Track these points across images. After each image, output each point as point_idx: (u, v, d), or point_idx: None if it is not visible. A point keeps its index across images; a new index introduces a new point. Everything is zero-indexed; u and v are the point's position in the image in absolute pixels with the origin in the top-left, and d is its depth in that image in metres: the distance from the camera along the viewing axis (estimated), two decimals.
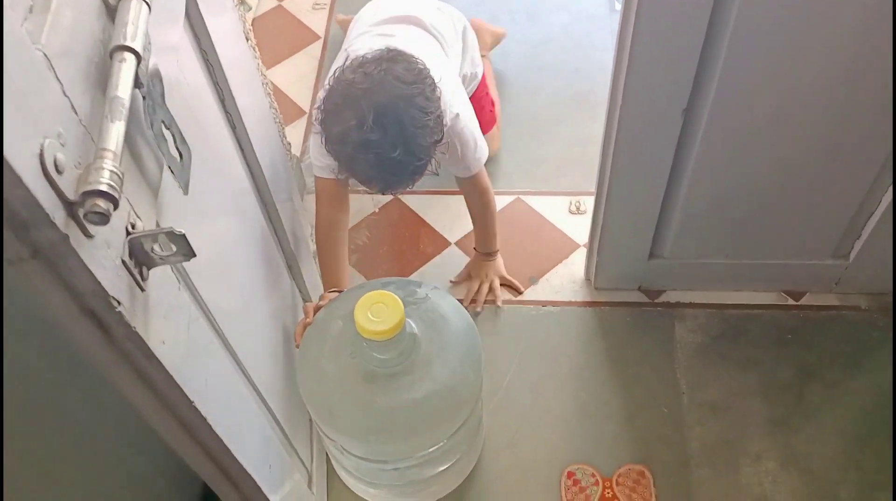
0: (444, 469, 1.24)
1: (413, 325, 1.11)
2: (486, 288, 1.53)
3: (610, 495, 1.32)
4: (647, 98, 1.14)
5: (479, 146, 1.37)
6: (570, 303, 1.55)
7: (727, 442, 1.36)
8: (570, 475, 1.35)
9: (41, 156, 0.49)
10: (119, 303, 0.59)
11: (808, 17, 1.02)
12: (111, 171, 0.53)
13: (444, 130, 1.20)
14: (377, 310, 1.03)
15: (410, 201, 1.71)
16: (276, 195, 1.23)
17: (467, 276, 1.57)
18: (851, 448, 1.35)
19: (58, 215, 0.51)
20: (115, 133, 0.55)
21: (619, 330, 1.51)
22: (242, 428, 0.89)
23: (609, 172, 1.31)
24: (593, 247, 1.49)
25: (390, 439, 1.10)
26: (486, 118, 1.61)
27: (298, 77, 1.94)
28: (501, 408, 1.42)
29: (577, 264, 1.60)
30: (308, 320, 1.19)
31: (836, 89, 1.11)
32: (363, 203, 1.71)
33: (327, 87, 1.19)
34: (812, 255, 1.43)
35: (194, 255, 0.65)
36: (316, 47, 2.01)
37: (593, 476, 1.34)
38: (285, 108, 1.84)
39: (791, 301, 1.52)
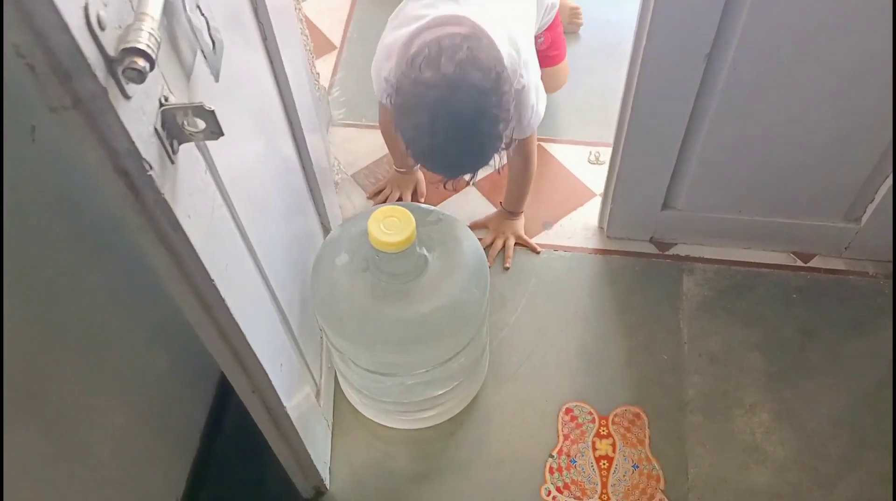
0: (447, 392, 1.29)
1: (423, 246, 1.14)
2: (499, 244, 1.56)
3: (605, 432, 1.36)
4: (670, 41, 1.16)
5: (536, 113, 1.34)
6: (581, 249, 1.58)
7: (723, 392, 1.40)
8: (568, 411, 1.39)
9: (86, 9, 0.53)
10: (151, 167, 0.63)
11: None
12: (149, 33, 0.57)
13: (511, 130, 1.21)
14: (390, 223, 1.06)
15: None
16: (303, 118, 1.26)
17: (484, 227, 1.60)
18: (845, 408, 1.38)
19: (99, 68, 0.54)
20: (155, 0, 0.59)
21: (628, 278, 1.54)
22: (257, 321, 0.93)
23: (629, 118, 1.33)
24: (608, 195, 1.52)
25: (396, 349, 1.14)
26: (560, 49, 1.64)
27: (330, 10, 1.95)
28: (506, 344, 1.46)
29: (591, 213, 1.63)
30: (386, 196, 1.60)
31: (860, 40, 1.13)
32: None
33: (397, 75, 1.18)
34: (824, 216, 1.45)
35: (222, 134, 0.69)
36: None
37: (590, 413, 1.38)
38: (315, 39, 1.86)
39: (800, 262, 1.54)
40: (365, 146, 1.74)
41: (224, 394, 1.37)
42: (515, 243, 1.57)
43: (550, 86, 1.57)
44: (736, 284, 1.52)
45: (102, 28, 0.55)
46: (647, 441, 1.35)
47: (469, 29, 1.18)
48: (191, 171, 0.72)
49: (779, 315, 1.48)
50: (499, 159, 1.22)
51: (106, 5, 0.55)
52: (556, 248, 1.58)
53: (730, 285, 1.52)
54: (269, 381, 0.97)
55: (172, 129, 0.67)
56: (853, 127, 1.27)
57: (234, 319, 0.83)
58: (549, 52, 1.61)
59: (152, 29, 0.57)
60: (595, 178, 1.67)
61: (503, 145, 1.20)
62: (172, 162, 0.68)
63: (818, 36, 1.13)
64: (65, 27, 0.51)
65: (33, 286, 0.84)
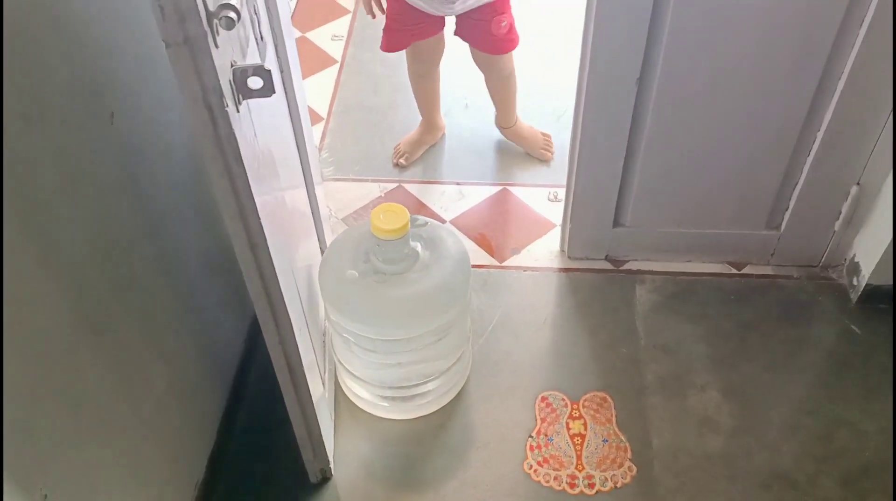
0: (437, 378, 1.47)
1: (415, 242, 1.36)
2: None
3: (577, 415, 1.54)
4: (606, 70, 1.43)
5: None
6: (546, 269, 1.81)
7: (677, 377, 1.59)
8: (543, 399, 1.57)
9: None
10: (227, 104, 0.85)
11: (731, 7, 1.33)
12: (230, 2, 0.81)
13: None
14: (388, 216, 1.29)
15: (412, 188, 1.98)
16: (312, 167, 1.53)
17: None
18: (782, 382, 1.58)
19: (203, 15, 0.78)
20: None
21: (588, 290, 1.76)
22: (285, 281, 1.11)
23: (578, 145, 1.59)
24: (566, 219, 1.77)
25: (396, 323, 1.34)
26: (516, 33, 1.84)
27: (318, 92, 2.24)
28: (486, 348, 1.65)
29: (553, 240, 1.86)
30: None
31: (764, 67, 1.41)
32: (370, 190, 1.98)
33: None
34: (749, 225, 1.71)
35: (274, 91, 0.92)
36: (333, 69, 2.33)
37: (563, 399, 1.57)
38: None
39: (734, 270, 1.78)
40: (351, 195, 1.98)
41: (240, 389, 1.53)
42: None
43: (506, 68, 1.89)
44: (681, 290, 1.75)
45: None
46: (613, 420, 1.53)
47: None
48: (247, 125, 0.95)
49: (719, 313, 1.70)
50: None
51: None
52: (524, 269, 1.81)
53: (676, 291, 1.75)
54: (293, 335, 1.15)
55: (239, 84, 0.90)
56: (762, 142, 1.55)
57: (272, 263, 1.03)
58: (510, 34, 1.81)
59: None
60: (555, 213, 1.91)
61: None
62: (238, 111, 0.90)
63: (728, 61, 1.41)
64: None
65: (106, 250, 1.04)
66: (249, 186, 0.93)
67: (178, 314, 1.28)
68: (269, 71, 0.90)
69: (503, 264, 1.81)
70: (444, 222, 1.90)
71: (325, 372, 1.50)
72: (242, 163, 0.91)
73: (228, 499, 1.42)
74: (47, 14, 0.89)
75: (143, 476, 1.16)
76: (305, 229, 1.53)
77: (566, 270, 1.80)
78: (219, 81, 0.82)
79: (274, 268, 1.04)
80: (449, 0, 1.70)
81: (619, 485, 1.43)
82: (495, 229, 1.88)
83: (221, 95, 0.84)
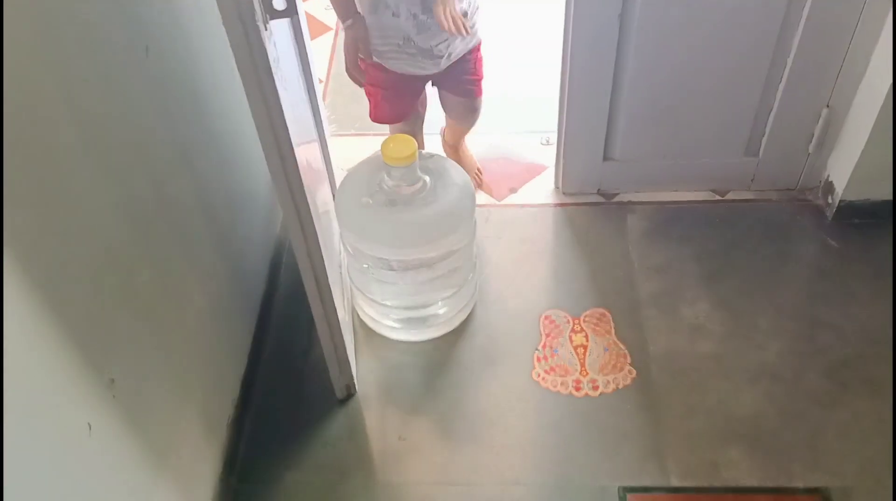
0: (450, 298, 1.59)
1: (422, 172, 1.48)
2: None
3: (579, 329, 1.67)
4: (589, 8, 1.55)
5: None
6: (543, 205, 1.93)
7: (669, 292, 1.72)
8: (546, 317, 1.69)
9: None
10: (258, 20, 0.97)
11: None
12: None
13: None
14: (397, 145, 1.40)
15: None
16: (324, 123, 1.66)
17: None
18: (766, 292, 1.71)
19: None
20: None
21: (583, 221, 1.89)
22: (311, 199, 1.23)
23: (567, 84, 1.72)
24: (559, 157, 1.89)
25: (409, 242, 1.47)
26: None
27: (316, 57, 2.35)
28: (491, 276, 1.77)
29: (548, 180, 1.99)
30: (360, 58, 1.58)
31: (729, 4, 1.54)
32: (371, 143, 2.10)
33: None
34: (730, 153, 1.84)
35: (297, 13, 1.04)
36: (329, 36, 2.47)
37: (565, 316, 1.69)
38: None
39: (718, 197, 1.91)
40: (353, 149, 2.09)
41: (266, 318, 1.66)
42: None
43: (471, 118, 1.86)
44: (669, 217, 1.88)
45: None
46: (612, 331, 1.66)
47: None
48: (273, 48, 1.07)
49: (706, 235, 1.83)
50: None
51: None
52: (522, 205, 1.93)
53: (665, 218, 1.87)
54: (319, 246, 1.27)
55: (266, 5, 1.02)
56: (737, 70, 1.67)
57: (298, 172, 1.15)
58: (480, 81, 1.75)
59: None
60: (548, 156, 2.04)
61: None
62: (266, 28, 1.02)
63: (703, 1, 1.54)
64: None
65: (150, 170, 1.16)
66: (278, 96, 1.05)
67: (211, 239, 1.40)
68: None
69: (502, 202, 1.94)
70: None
71: (343, 300, 1.62)
72: (271, 73, 1.03)
73: (262, 416, 1.54)
74: None
75: (188, 384, 1.28)
76: (321, 176, 1.66)
77: (561, 205, 1.93)
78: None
79: (301, 179, 1.16)
80: (436, 56, 1.57)
81: (620, 386, 1.56)
82: (493, 172, 2.00)
83: (253, 12, 0.96)
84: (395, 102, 1.69)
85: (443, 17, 1.47)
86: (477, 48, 1.68)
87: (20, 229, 0.82)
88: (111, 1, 1.06)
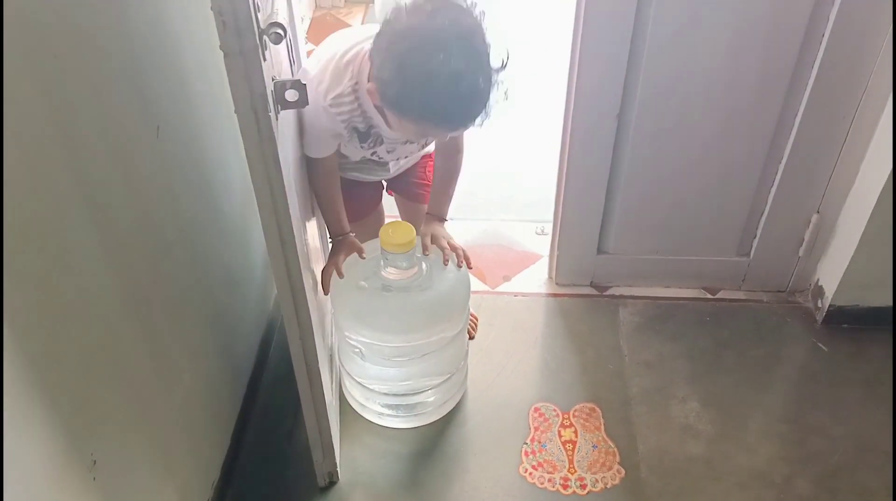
0: (438, 386, 1.58)
1: (420, 261, 1.49)
2: (444, 244, 1.53)
3: (568, 423, 1.65)
4: (589, 106, 1.60)
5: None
6: (536, 294, 1.94)
7: (659, 389, 1.71)
8: (536, 409, 1.68)
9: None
10: (270, 110, 0.99)
11: (697, 51, 1.51)
12: (283, 20, 0.96)
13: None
14: (396, 232, 1.42)
15: None
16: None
17: (434, 240, 1.55)
18: (756, 394, 1.70)
19: (255, 31, 0.93)
20: (282, 5, 0.99)
21: (575, 313, 1.89)
22: (307, 290, 1.23)
23: (564, 178, 1.75)
24: (553, 248, 1.91)
25: (403, 328, 1.46)
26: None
27: None
28: (481, 363, 1.76)
29: (541, 269, 2.00)
30: (339, 270, 1.47)
31: (728, 103, 1.59)
32: None
33: (379, 47, 1.21)
34: (721, 252, 1.86)
35: (308, 104, 1.06)
36: None
37: (555, 410, 1.67)
38: None
39: (709, 295, 1.93)
40: None
41: (253, 398, 1.63)
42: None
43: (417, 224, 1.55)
44: (661, 313, 1.88)
45: (258, 10, 0.94)
46: (602, 428, 1.64)
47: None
48: (281, 134, 1.09)
49: (697, 333, 1.83)
50: (486, 115, 1.25)
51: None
52: (515, 294, 1.94)
53: (656, 314, 1.88)
54: (312, 332, 1.27)
55: (279, 96, 1.04)
56: (729, 174, 1.71)
57: (299, 262, 1.15)
58: (429, 186, 1.64)
59: (283, 20, 0.96)
60: (542, 245, 2.06)
61: (496, 70, 1.22)
62: (276, 118, 1.04)
63: (696, 100, 1.59)
64: (246, 2, 0.90)
65: (149, 249, 1.16)
66: (283, 185, 1.07)
67: (204, 316, 1.39)
68: (305, 85, 1.05)
69: (496, 289, 1.94)
70: None
71: (332, 383, 1.61)
72: (279, 164, 1.04)
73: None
74: (107, 23, 1.03)
75: (170, 464, 1.25)
76: (317, 254, 1.66)
77: (554, 295, 1.94)
78: (265, 90, 0.97)
79: (300, 265, 1.17)
80: (382, 165, 1.56)
81: (608, 486, 1.53)
82: (487, 260, 2.02)
83: (266, 103, 0.98)
84: (352, 203, 1.58)
85: (446, 252, 1.49)
86: (429, 155, 1.65)
87: (20, 306, 0.82)
88: (128, 81, 1.08)
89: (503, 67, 1.22)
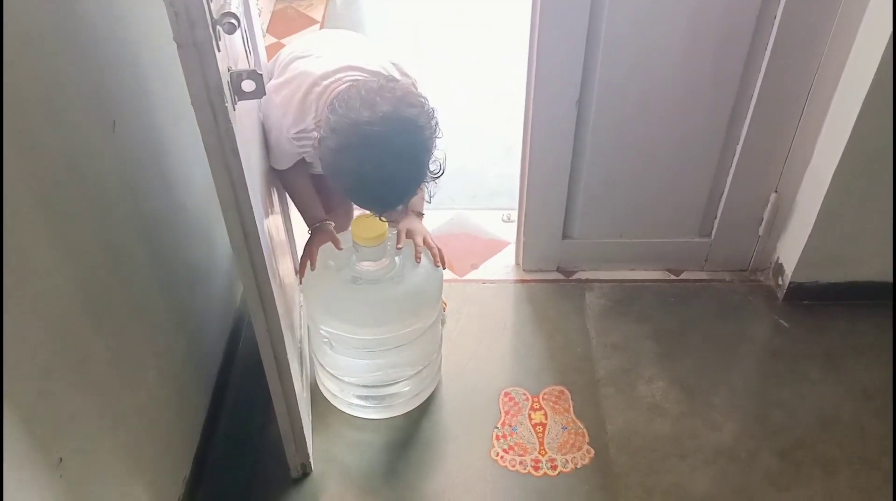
0: (412, 378, 1.59)
1: (392, 254, 1.49)
2: (420, 241, 1.52)
3: (538, 407, 1.67)
4: (549, 93, 1.61)
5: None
6: (503, 281, 1.95)
7: (626, 370, 1.74)
8: (506, 394, 1.69)
9: None
10: (227, 101, 0.99)
11: (654, 37, 1.53)
12: (236, 9, 0.96)
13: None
14: (367, 225, 1.42)
15: None
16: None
17: (410, 235, 1.54)
18: (721, 371, 1.74)
19: (208, 22, 0.92)
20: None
21: (543, 298, 1.91)
22: (272, 275, 1.23)
23: (528, 165, 1.76)
24: (520, 235, 1.92)
25: (374, 321, 1.47)
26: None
27: None
28: (452, 352, 1.77)
29: (508, 256, 2.02)
30: (313, 259, 1.48)
31: (680, 89, 1.61)
32: None
33: (331, 112, 1.24)
34: (684, 233, 1.89)
35: (265, 94, 1.06)
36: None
37: (524, 394, 1.69)
38: None
39: (673, 277, 1.96)
40: None
41: (222, 394, 1.63)
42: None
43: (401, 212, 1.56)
44: (626, 295, 1.91)
45: (210, 0, 0.93)
46: (571, 410, 1.66)
47: (369, 74, 1.31)
48: (240, 125, 1.08)
49: (662, 314, 1.86)
50: (428, 190, 1.32)
51: None
52: (483, 281, 1.95)
53: (622, 296, 1.91)
54: (279, 324, 1.27)
55: (235, 87, 1.04)
56: (689, 156, 1.74)
57: (262, 252, 1.15)
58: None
59: (236, 9, 0.96)
60: (509, 232, 2.08)
61: (436, 176, 1.30)
62: (234, 109, 1.04)
63: (654, 85, 1.61)
64: None
65: (108, 248, 1.15)
66: (244, 176, 1.06)
67: (168, 314, 1.39)
68: (262, 75, 1.04)
69: (464, 277, 1.96)
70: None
71: (301, 376, 1.61)
72: (238, 155, 1.04)
73: (214, 496, 1.50)
74: (58, 22, 1.02)
75: (139, 461, 1.25)
76: (283, 248, 1.65)
77: (522, 281, 1.95)
78: (221, 80, 0.97)
79: (264, 257, 1.16)
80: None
81: (578, 466, 1.56)
82: (455, 248, 2.03)
83: (223, 94, 0.98)
84: (321, 195, 1.58)
85: (419, 249, 1.49)
86: None
87: None
88: (82, 76, 1.07)
89: (440, 172, 1.29)
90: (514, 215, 2.07)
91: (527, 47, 1.60)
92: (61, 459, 1.00)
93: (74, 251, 1.05)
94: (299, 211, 1.57)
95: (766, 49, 1.56)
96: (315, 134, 1.30)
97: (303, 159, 1.47)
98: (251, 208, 1.10)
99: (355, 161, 1.21)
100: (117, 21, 1.20)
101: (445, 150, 1.31)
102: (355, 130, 1.20)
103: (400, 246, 1.50)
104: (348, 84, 1.30)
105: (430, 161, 1.27)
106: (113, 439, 1.16)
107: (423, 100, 1.26)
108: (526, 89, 1.66)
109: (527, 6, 1.54)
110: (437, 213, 2.13)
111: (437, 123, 1.26)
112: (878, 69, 1.46)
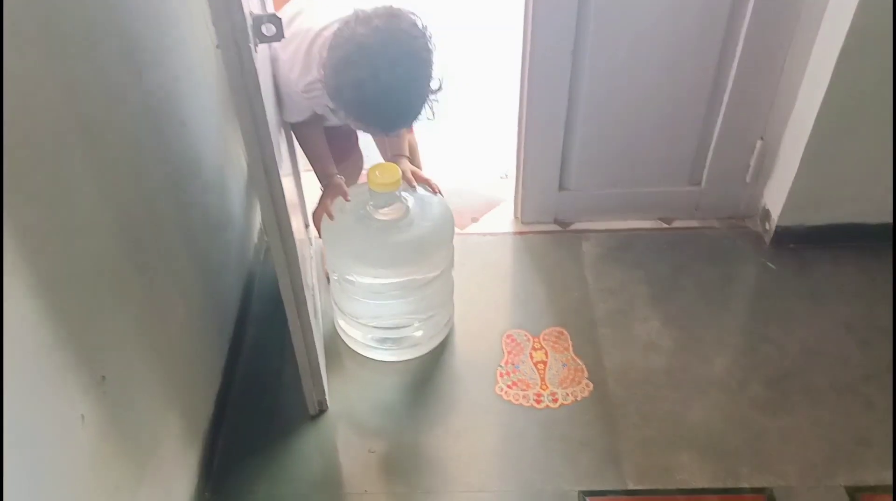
0: (427, 320, 1.68)
1: (405, 196, 1.58)
2: (419, 174, 1.66)
3: (538, 346, 1.76)
4: (545, 44, 1.70)
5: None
6: (503, 233, 2.05)
7: (622, 311, 1.83)
8: (508, 336, 1.79)
9: None
10: (250, 41, 1.07)
11: None
12: None
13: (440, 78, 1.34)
14: (383, 172, 1.50)
15: None
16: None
17: (410, 175, 1.64)
18: (712, 311, 1.83)
19: None
20: None
21: (541, 248, 2.00)
22: (292, 215, 1.32)
23: (524, 118, 1.85)
24: (517, 188, 2.01)
25: (392, 262, 1.57)
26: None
27: None
28: (457, 300, 1.85)
29: (507, 210, 2.11)
30: (329, 212, 1.57)
31: (675, 40, 1.70)
32: None
33: (331, 46, 1.31)
34: (675, 182, 1.98)
35: (283, 37, 1.14)
36: None
37: (525, 335, 1.79)
38: None
39: (665, 225, 2.05)
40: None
41: (239, 338, 1.72)
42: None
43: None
44: (621, 244, 2.00)
45: None
46: (570, 348, 1.75)
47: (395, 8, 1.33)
48: (261, 69, 1.16)
49: (655, 260, 1.96)
50: (431, 108, 1.35)
51: None
52: (483, 234, 2.04)
53: (617, 245, 2.00)
54: (297, 256, 1.35)
55: (256, 30, 1.12)
56: (678, 105, 1.83)
57: (281, 185, 1.23)
58: None
59: None
60: (507, 189, 2.16)
61: (435, 89, 1.33)
62: (255, 51, 1.12)
63: (644, 33, 1.69)
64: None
65: (139, 195, 1.23)
66: (265, 112, 1.14)
67: (190, 258, 1.47)
68: (280, 19, 1.12)
69: (465, 231, 2.05)
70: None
71: (316, 317, 1.69)
72: (260, 93, 1.12)
73: (235, 432, 1.59)
74: None
75: (170, 390, 1.33)
76: (295, 209, 1.73)
77: (520, 233, 2.04)
78: (245, 21, 1.05)
79: (283, 190, 1.25)
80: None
81: (578, 398, 1.65)
82: (455, 204, 2.08)
83: (247, 34, 1.06)
84: (330, 148, 1.66)
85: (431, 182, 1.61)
86: None
87: (26, 227, 0.88)
88: (113, 25, 1.15)
89: (439, 88, 1.34)
90: (511, 173, 2.16)
91: (522, 5, 1.68)
92: (104, 377, 1.08)
93: (112, 185, 1.13)
94: (312, 165, 1.66)
95: (746, 6, 1.64)
96: (321, 83, 1.36)
97: (314, 114, 1.55)
98: (272, 144, 1.18)
99: (354, 75, 1.27)
100: None
101: (443, 68, 1.35)
102: (352, 44, 1.27)
103: (414, 185, 1.60)
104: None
105: (428, 76, 1.31)
106: (148, 365, 1.24)
107: (415, 17, 1.31)
108: (522, 42, 1.74)
109: None
110: (438, 174, 2.21)
111: (431, 37, 1.31)
112: (854, 17, 1.55)
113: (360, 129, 1.46)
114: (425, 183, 1.64)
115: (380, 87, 1.26)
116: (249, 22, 1.08)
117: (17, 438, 0.85)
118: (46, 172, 0.94)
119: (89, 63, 1.07)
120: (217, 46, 1.07)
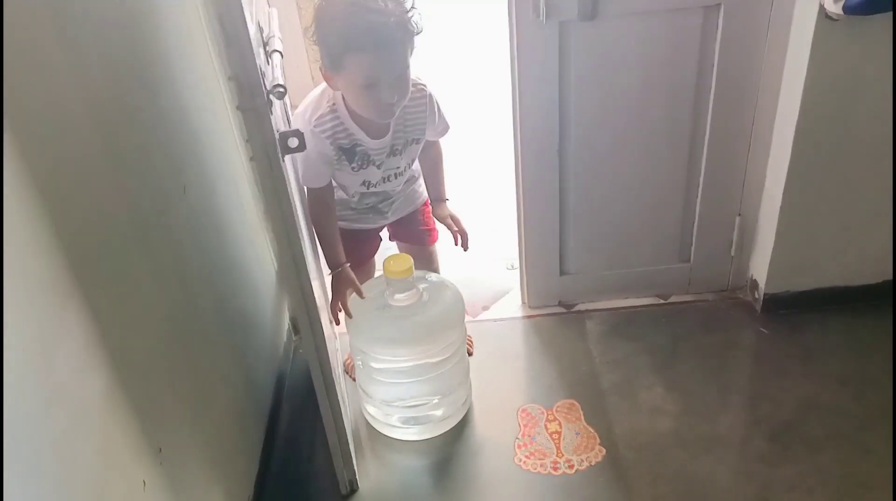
0: (447, 397, 1.83)
1: (419, 288, 1.76)
2: (457, 220, 1.90)
3: (552, 418, 1.89)
4: (534, 145, 1.91)
5: (446, 123, 1.77)
6: (512, 318, 2.21)
7: (628, 381, 1.96)
8: (523, 410, 1.91)
9: (259, 64, 1.22)
10: (279, 152, 1.28)
11: (614, 92, 1.84)
12: (281, 83, 1.26)
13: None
14: (396, 262, 1.69)
15: None
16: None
17: (442, 219, 1.91)
18: (710, 374, 1.96)
19: (264, 90, 1.22)
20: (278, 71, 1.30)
21: (548, 329, 2.15)
22: (318, 301, 1.50)
23: (523, 214, 2.05)
24: (523, 276, 2.19)
25: (410, 342, 1.74)
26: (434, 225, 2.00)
27: None
28: (473, 379, 2.00)
29: (515, 297, 2.27)
30: (345, 306, 1.74)
31: (642, 134, 1.91)
32: None
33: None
34: (666, 260, 2.15)
35: (306, 148, 1.36)
36: None
37: (540, 409, 1.91)
38: None
39: (661, 301, 2.20)
40: None
41: (274, 427, 1.86)
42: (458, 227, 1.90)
43: (430, 267, 2.00)
44: (622, 320, 2.15)
45: (263, 74, 1.24)
46: (582, 418, 1.88)
47: None
48: (288, 175, 1.37)
49: (654, 333, 2.10)
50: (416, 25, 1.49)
51: (262, 62, 1.25)
52: (495, 320, 2.20)
53: (618, 321, 2.15)
54: (325, 344, 1.52)
55: (282, 144, 1.33)
56: (659, 190, 2.02)
57: (310, 282, 1.41)
58: (432, 230, 1.98)
59: (280, 84, 1.27)
60: (513, 279, 2.34)
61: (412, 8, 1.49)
62: (283, 161, 1.33)
63: (620, 131, 1.91)
64: (255, 68, 1.20)
65: (184, 290, 1.42)
66: (293, 211, 1.34)
67: (228, 350, 1.64)
68: (303, 133, 1.34)
69: (477, 318, 2.21)
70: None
71: (343, 400, 1.84)
72: (289, 196, 1.32)
73: None
74: (151, 107, 1.33)
75: (217, 470, 1.47)
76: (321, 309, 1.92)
77: (529, 317, 2.20)
78: (275, 137, 1.26)
79: (311, 285, 1.43)
80: (381, 212, 1.86)
81: (592, 463, 1.76)
82: (467, 295, 2.26)
83: (275, 147, 1.27)
84: (352, 254, 1.79)
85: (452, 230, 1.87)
86: (425, 204, 1.95)
87: (96, 310, 1.06)
88: (160, 146, 1.37)
89: (419, 31, 1.50)
90: (517, 264, 2.34)
91: (510, 111, 1.91)
92: (160, 448, 1.23)
93: (163, 289, 1.32)
94: (323, 251, 1.76)
95: (710, 93, 1.86)
96: (331, 116, 1.60)
97: (330, 185, 1.72)
98: (300, 239, 1.38)
99: (334, 10, 1.45)
100: (179, 101, 1.51)
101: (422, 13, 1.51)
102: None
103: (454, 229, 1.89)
104: None
105: (410, 16, 1.47)
106: (197, 442, 1.39)
107: None
108: (514, 146, 1.96)
109: (506, 78, 1.86)
110: (450, 268, 2.40)
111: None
112: (802, 97, 1.75)
113: (370, 100, 1.55)
114: (461, 233, 1.89)
115: (359, 4, 1.44)
116: (277, 137, 1.30)
117: (94, 496, 1.00)
118: (111, 267, 1.13)
119: (144, 180, 1.28)
120: (251, 159, 1.28)
